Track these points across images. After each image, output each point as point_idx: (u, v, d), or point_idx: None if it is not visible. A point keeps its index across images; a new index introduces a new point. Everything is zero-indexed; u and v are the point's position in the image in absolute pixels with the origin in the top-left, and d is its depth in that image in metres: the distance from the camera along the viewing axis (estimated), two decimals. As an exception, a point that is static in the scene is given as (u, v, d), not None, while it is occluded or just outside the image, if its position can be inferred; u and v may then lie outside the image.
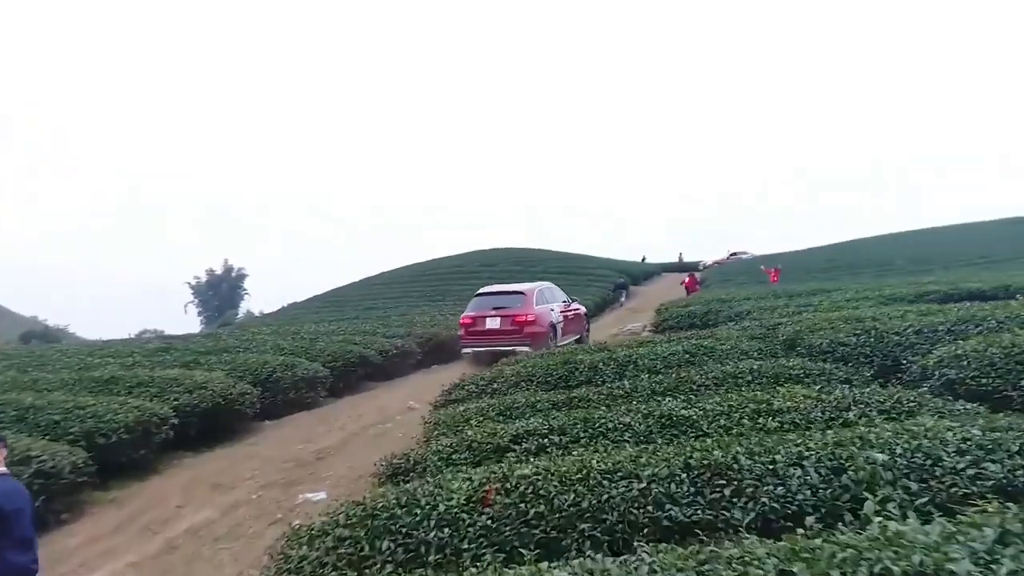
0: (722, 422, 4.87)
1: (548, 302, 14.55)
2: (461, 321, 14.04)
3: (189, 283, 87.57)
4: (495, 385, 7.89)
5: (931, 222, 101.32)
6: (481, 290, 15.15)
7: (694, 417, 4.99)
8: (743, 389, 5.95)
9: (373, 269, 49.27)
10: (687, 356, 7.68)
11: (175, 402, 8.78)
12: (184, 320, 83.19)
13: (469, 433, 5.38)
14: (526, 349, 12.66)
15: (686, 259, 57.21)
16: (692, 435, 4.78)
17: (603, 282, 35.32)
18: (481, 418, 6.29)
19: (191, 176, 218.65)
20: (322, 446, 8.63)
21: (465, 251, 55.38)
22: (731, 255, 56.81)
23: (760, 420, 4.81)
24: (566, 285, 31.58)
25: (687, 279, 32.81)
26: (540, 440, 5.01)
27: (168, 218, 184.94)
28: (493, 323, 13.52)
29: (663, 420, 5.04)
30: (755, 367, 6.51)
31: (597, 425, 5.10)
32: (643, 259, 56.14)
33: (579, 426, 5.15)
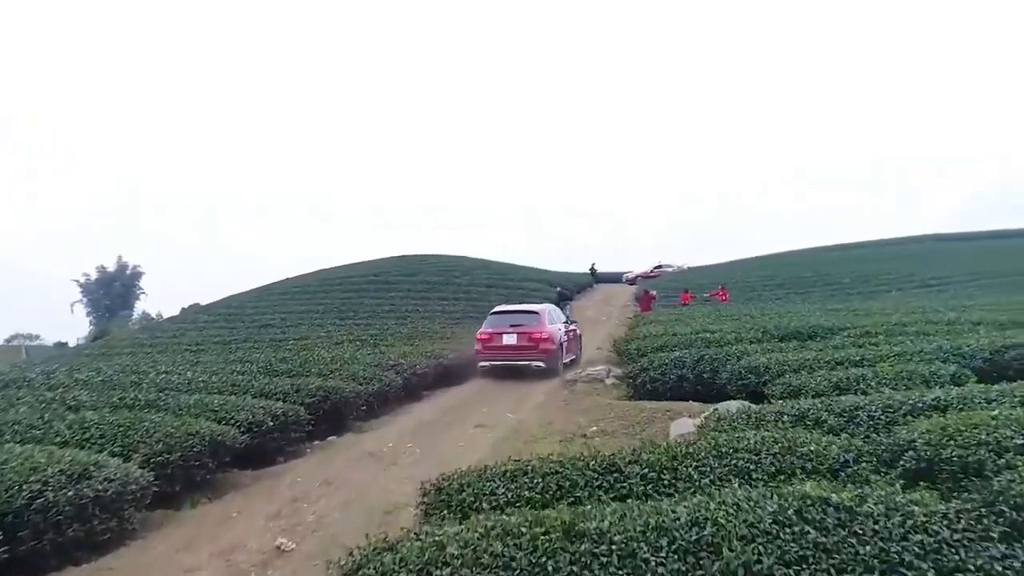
0: None
1: (556, 322, 15.90)
2: (478, 336, 15.50)
3: (77, 280, 79.46)
4: (437, 570, 3.92)
5: (924, 228, 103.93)
6: (496, 308, 16.78)
7: None
8: None
9: (373, 269, 44.06)
10: (806, 538, 3.95)
11: None
12: (71, 321, 75.01)
13: None
14: (540, 364, 14.50)
15: (600, 270, 52.24)
16: None
17: (535, 296, 31.72)
18: None
19: (191, 176, 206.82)
20: None
21: (381, 257, 50.82)
22: (657, 267, 54.63)
23: None
24: (497, 299, 27.84)
25: (644, 293, 29.70)
26: None
27: (168, 217, 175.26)
28: (510, 339, 14.86)
29: None
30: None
31: None
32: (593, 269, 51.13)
33: None
